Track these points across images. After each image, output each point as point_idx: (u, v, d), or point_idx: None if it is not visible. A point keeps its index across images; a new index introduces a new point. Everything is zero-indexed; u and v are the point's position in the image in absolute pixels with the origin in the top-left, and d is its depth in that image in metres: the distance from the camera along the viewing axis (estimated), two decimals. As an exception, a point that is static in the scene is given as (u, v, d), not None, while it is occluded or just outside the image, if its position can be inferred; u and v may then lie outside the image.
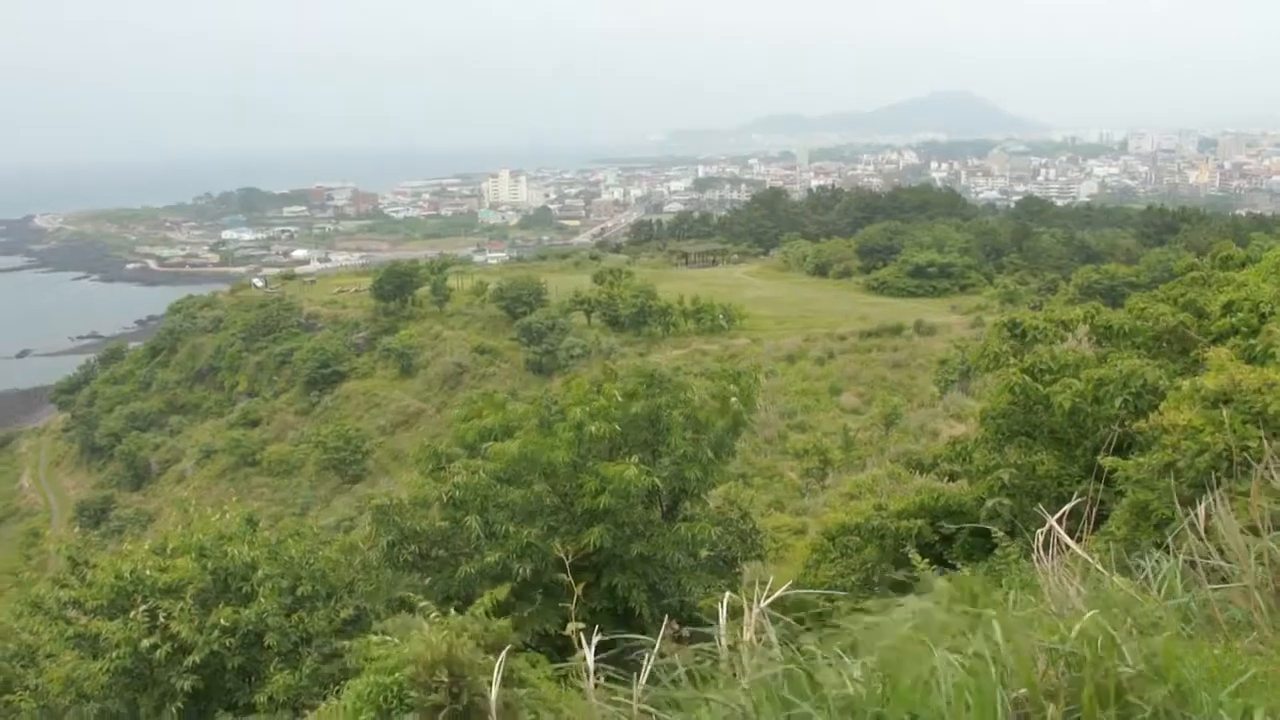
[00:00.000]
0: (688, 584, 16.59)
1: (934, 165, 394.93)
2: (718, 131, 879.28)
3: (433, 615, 8.37)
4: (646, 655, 3.72)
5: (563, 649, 13.49)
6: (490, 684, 7.82)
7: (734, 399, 17.81)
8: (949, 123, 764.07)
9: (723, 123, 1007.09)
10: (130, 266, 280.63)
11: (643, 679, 3.62)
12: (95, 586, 15.37)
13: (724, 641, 3.72)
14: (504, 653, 4.61)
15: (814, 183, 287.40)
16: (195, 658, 13.79)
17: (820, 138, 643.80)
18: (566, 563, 13.36)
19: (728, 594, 3.92)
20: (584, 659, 3.81)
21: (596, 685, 3.83)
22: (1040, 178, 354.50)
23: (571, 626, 3.94)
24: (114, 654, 14.04)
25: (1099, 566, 4.09)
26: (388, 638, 8.93)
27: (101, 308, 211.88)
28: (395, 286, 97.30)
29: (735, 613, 3.98)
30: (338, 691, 9.93)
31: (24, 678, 17.58)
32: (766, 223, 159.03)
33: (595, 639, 3.85)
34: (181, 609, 14.23)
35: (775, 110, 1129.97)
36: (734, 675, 3.47)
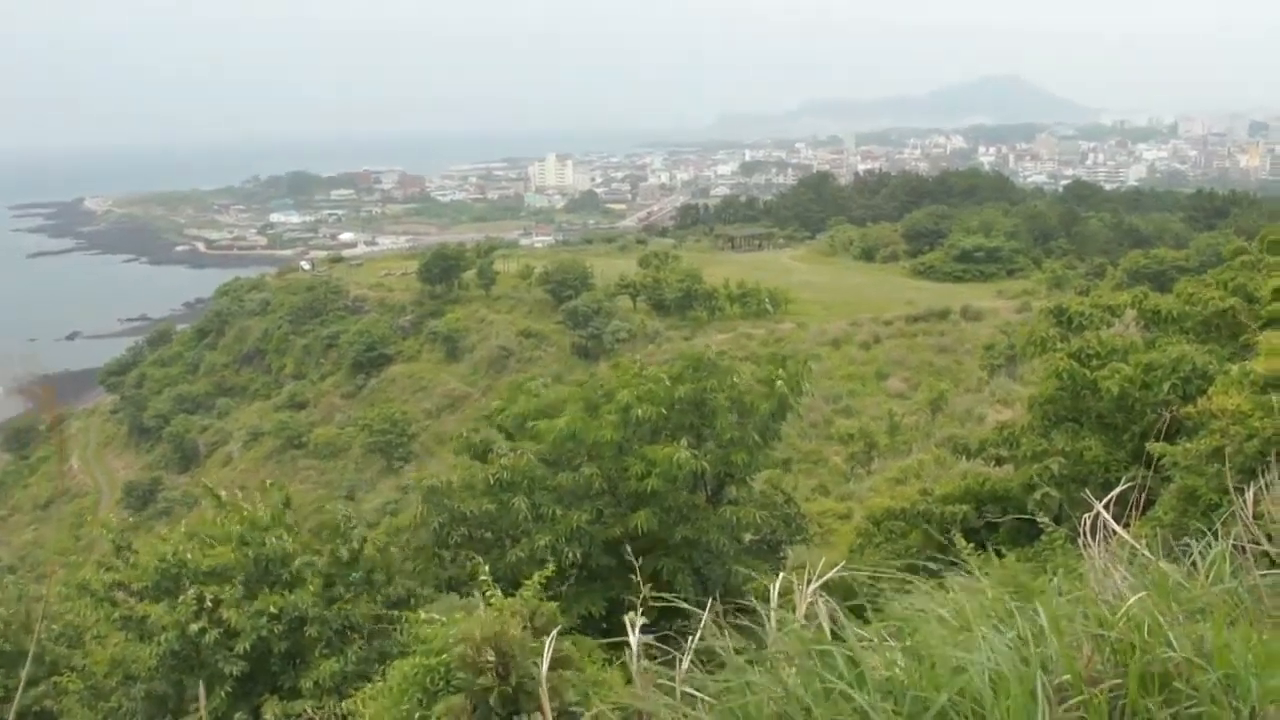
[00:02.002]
0: (732, 568, 16.60)
1: (981, 149, 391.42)
2: (765, 116, 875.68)
3: (489, 594, 8.39)
4: (691, 637, 3.74)
5: (607, 631, 13.53)
6: (538, 665, 7.89)
7: (780, 383, 17.76)
8: (997, 107, 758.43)
9: (770, 107, 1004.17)
10: (179, 249, 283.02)
11: (686, 661, 3.63)
12: (140, 569, 15.52)
13: (773, 623, 3.73)
14: (554, 634, 4.63)
15: (861, 167, 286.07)
16: (244, 644, 13.91)
17: (867, 122, 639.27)
18: (625, 548, 13.39)
19: (780, 576, 3.93)
20: (631, 642, 3.83)
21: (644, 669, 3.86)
22: (1089, 162, 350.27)
23: (631, 615, 3.95)
24: (162, 637, 14.17)
25: (1145, 552, 4.06)
26: (435, 618, 8.97)
27: (150, 290, 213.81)
28: (442, 270, 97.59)
29: (782, 595, 3.99)
30: (383, 674, 9.99)
31: (70, 659, 17.79)
32: (813, 207, 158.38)
33: (640, 621, 3.87)
34: (230, 594, 14.36)
35: (823, 95, 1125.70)
36: (780, 657, 3.48)
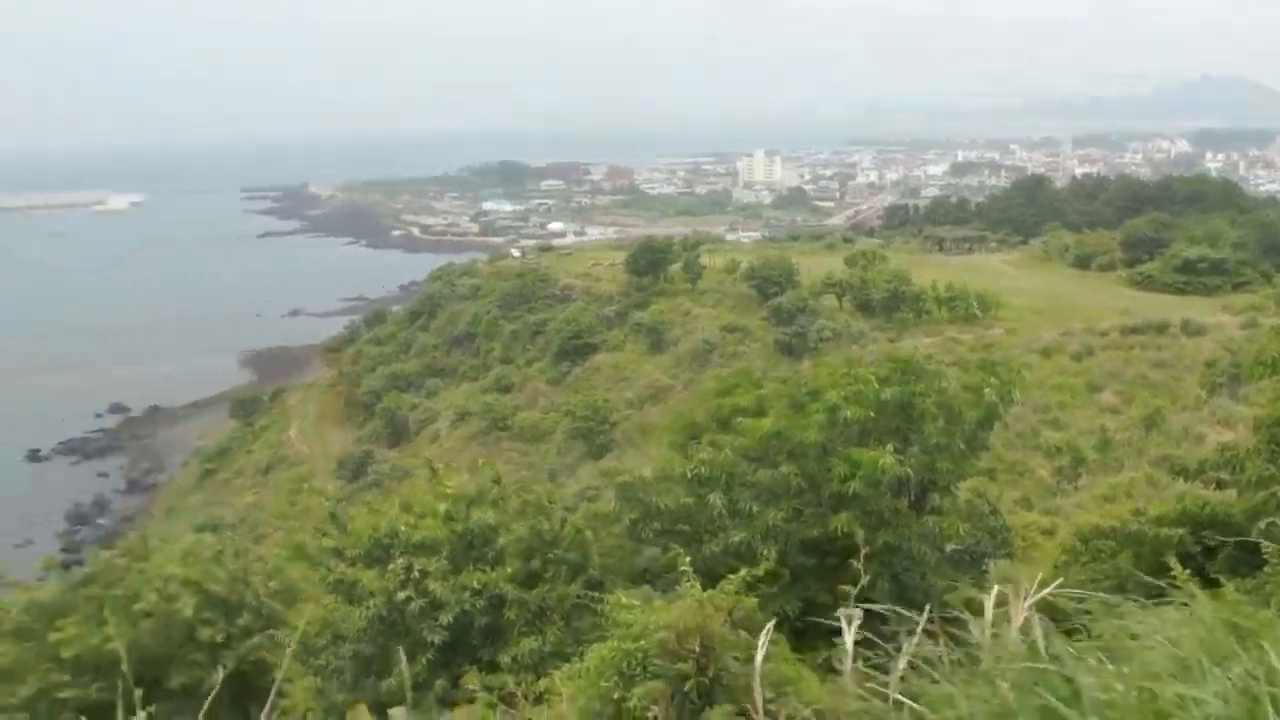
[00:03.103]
0: (932, 577, 16.36)
1: (1209, 155, 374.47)
2: (978, 114, 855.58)
3: (691, 586, 8.49)
4: (904, 644, 3.75)
5: (800, 633, 13.52)
6: (736, 659, 7.97)
7: (989, 390, 17.41)
8: (1222, 108, 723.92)
9: (982, 106, 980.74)
10: (395, 234, 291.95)
11: (900, 666, 3.65)
12: (354, 536, 16.18)
13: (987, 636, 3.72)
14: (769, 627, 4.68)
15: (1078, 170, 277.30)
16: (447, 616, 14.36)
17: (1085, 124, 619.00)
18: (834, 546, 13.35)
19: (995, 589, 3.91)
20: (846, 643, 3.87)
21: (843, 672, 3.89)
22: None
23: (842, 612, 3.98)
24: (371, 602, 14.76)
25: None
26: (635, 604, 9.11)
27: (368, 272, 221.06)
28: (648, 262, 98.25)
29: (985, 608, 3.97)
30: (581, 655, 10.18)
31: (284, 615, 18.66)
32: (1026, 211, 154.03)
33: (855, 623, 3.90)
34: (437, 567, 14.84)
35: (1038, 94, 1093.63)
36: (991, 671, 3.48)
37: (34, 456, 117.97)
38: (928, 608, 3.83)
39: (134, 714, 4.22)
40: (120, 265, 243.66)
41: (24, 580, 23.47)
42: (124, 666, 3.77)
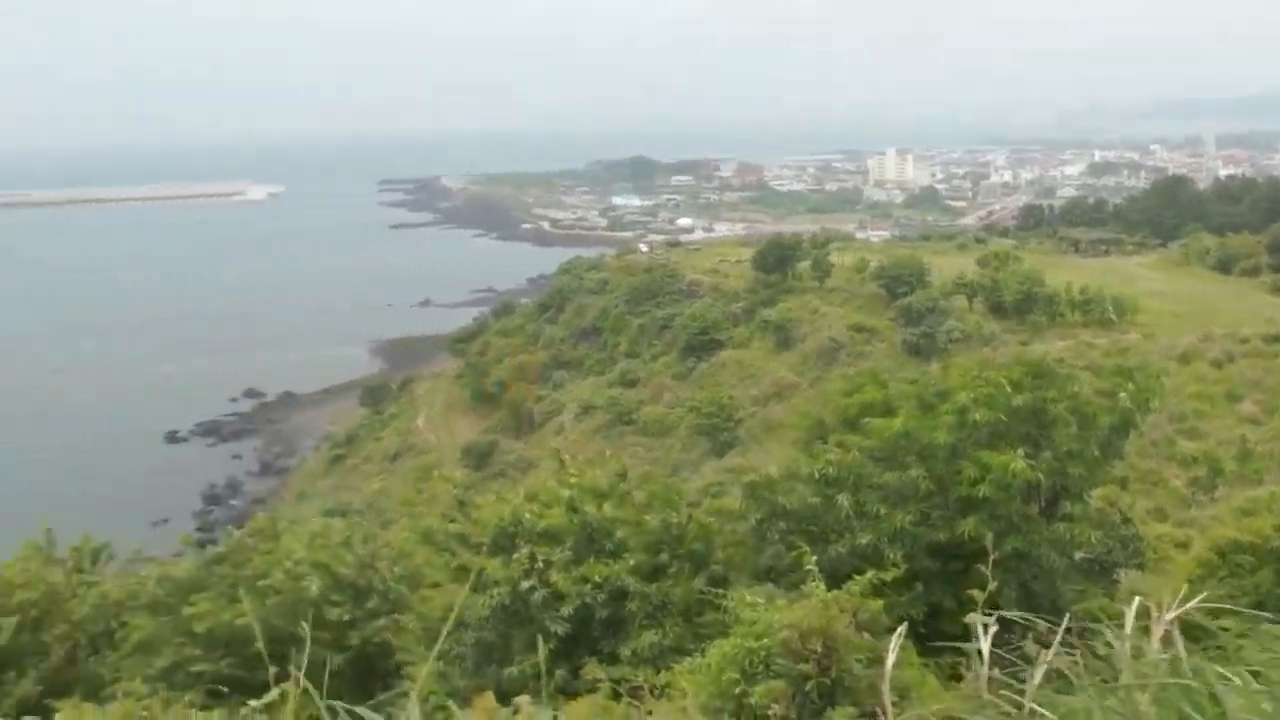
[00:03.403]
0: (1061, 585, 16.01)
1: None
2: (1117, 113, 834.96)
3: (816, 586, 8.42)
4: (1038, 654, 3.65)
5: (922, 637, 13.34)
6: (859, 662, 7.89)
7: (1124, 396, 16.96)
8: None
9: (1122, 105, 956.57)
10: (525, 227, 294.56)
11: (1038, 676, 3.55)
12: (480, 525, 16.36)
13: (1126, 648, 3.60)
14: (901, 630, 4.60)
15: (1222, 171, 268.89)
16: (568, 607, 14.45)
17: (1229, 123, 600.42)
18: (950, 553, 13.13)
19: (1136, 599, 3.78)
20: (982, 649, 3.77)
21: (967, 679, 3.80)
22: None
23: (973, 618, 3.88)
24: (495, 590, 14.90)
25: None
26: (759, 602, 9.07)
27: (497, 264, 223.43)
28: (777, 259, 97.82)
29: (1120, 618, 3.85)
30: (702, 651, 10.17)
31: (409, 600, 18.96)
32: (1166, 213, 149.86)
33: (991, 630, 3.80)
34: (560, 557, 14.94)
35: (1179, 92, 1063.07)
36: (1130, 685, 3.36)
37: (172, 437, 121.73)
38: (1066, 616, 3.71)
39: (268, 689, 4.29)
40: (255, 255, 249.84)
41: (161, 556, 24.27)
42: (259, 644, 3.83)
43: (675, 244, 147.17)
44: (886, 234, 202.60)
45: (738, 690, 8.03)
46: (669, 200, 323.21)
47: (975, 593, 4.59)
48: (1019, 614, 3.95)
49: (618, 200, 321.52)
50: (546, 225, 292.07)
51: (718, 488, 43.94)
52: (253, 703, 4.80)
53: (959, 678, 5.32)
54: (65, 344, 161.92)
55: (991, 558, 7.66)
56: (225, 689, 15.30)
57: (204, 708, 8.74)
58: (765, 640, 8.14)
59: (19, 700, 18.65)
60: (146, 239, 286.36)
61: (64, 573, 22.12)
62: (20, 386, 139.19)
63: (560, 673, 14.07)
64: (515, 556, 15.13)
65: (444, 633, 14.40)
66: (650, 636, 14.13)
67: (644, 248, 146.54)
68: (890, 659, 4.39)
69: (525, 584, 14.75)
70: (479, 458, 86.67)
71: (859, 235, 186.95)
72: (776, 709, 7.60)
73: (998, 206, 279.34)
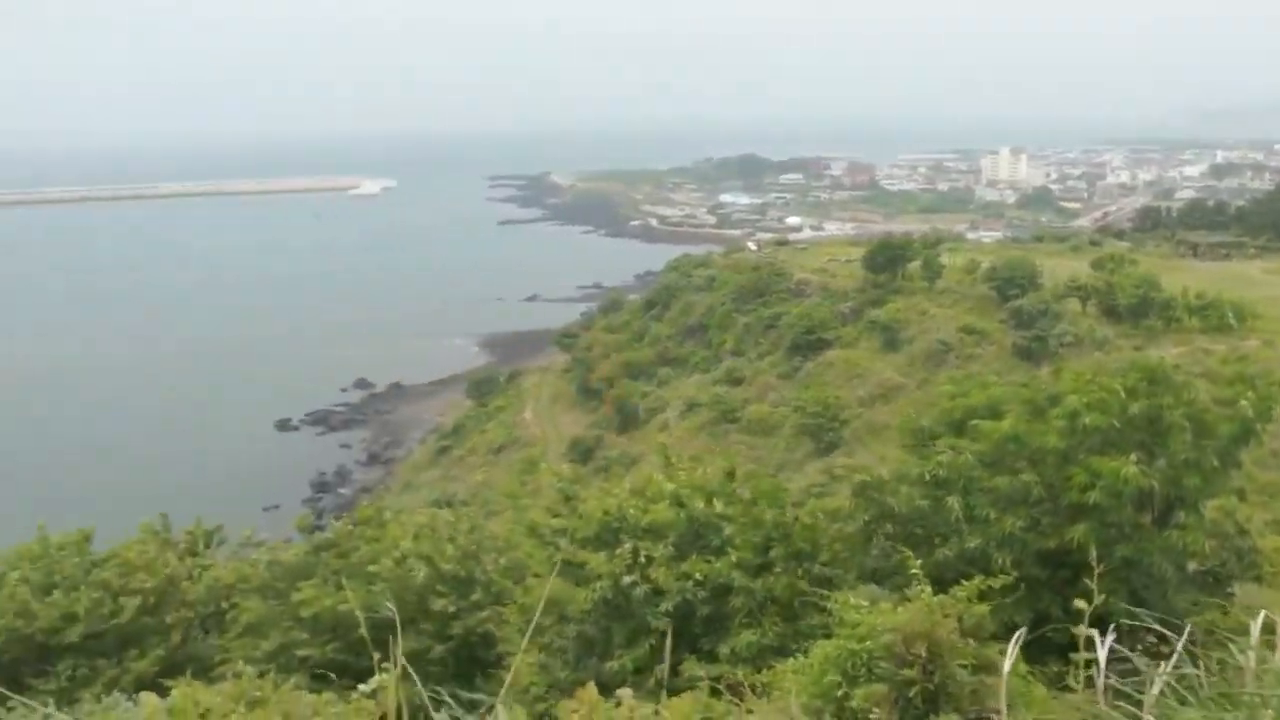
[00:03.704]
0: (1173, 597, 15.60)
1: None
2: (1242, 111, 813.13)
3: (920, 590, 8.29)
4: (1162, 664, 3.54)
5: (1026, 645, 13.09)
6: (964, 668, 7.75)
7: (1244, 404, 16.47)
8: None
9: (1249, 103, 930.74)
10: (633, 223, 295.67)
11: (1157, 686, 3.43)
12: (584, 519, 16.42)
13: (1251, 661, 3.47)
14: (1018, 637, 4.50)
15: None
16: (669, 603, 14.44)
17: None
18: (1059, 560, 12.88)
19: (1263, 613, 3.65)
20: (1098, 658, 3.67)
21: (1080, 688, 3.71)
22: None
23: (1082, 629, 3.78)
24: (597, 584, 14.95)
25: None
26: (862, 604, 8.96)
27: (604, 260, 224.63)
28: (886, 259, 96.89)
29: (1240, 632, 3.72)
30: (804, 651, 10.08)
31: (512, 592, 19.11)
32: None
33: (1109, 639, 3.69)
34: (662, 553, 14.93)
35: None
36: (1254, 699, 3.24)
37: (284, 425, 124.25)
38: (1187, 629, 3.59)
39: (372, 675, 4.33)
40: (369, 248, 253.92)
41: (271, 541, 24.80)
42: (363, 630, 3.87)
43: (783, 242, 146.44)
44: (998, 235, 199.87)
45: (839, 693, 7.95)
46: (778, 198, 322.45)
47: (1081, 603, 4.47)
48: (1142, 622, 3.85)
49: (726, 198, 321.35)
50: (654, 222, 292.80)
51: (820, 488, 43.66)
52: (361, 687, 4.86)
53: (1065, 687, 5.20)
54: (181, 329, 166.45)
55: (1097, 570, 7.49)
56: (329, 673, 15.57)
57: (308, 691, 8.87)
58: (868, 643, 8.04)
59: (137, 677, 19.17)
60: (263, 230, 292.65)
61: (178, 556, 22.71)
62: (140, 369, 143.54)
63: (660, 668, 14.08)
64: (617, 551, 15.16)
65: (531, 623, 14.50)
66: (749, 635, 14.07)
67: (752, 246, 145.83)
68: (1007, 665, 4.29)
69: (627, 578, 14.77)
70: (583, 452, 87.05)
71: (970, 236, 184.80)
72: (878, 713, 7.51)
73: (1113, 208, 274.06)
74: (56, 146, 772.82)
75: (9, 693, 5.09)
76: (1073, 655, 4.05)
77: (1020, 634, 4.67)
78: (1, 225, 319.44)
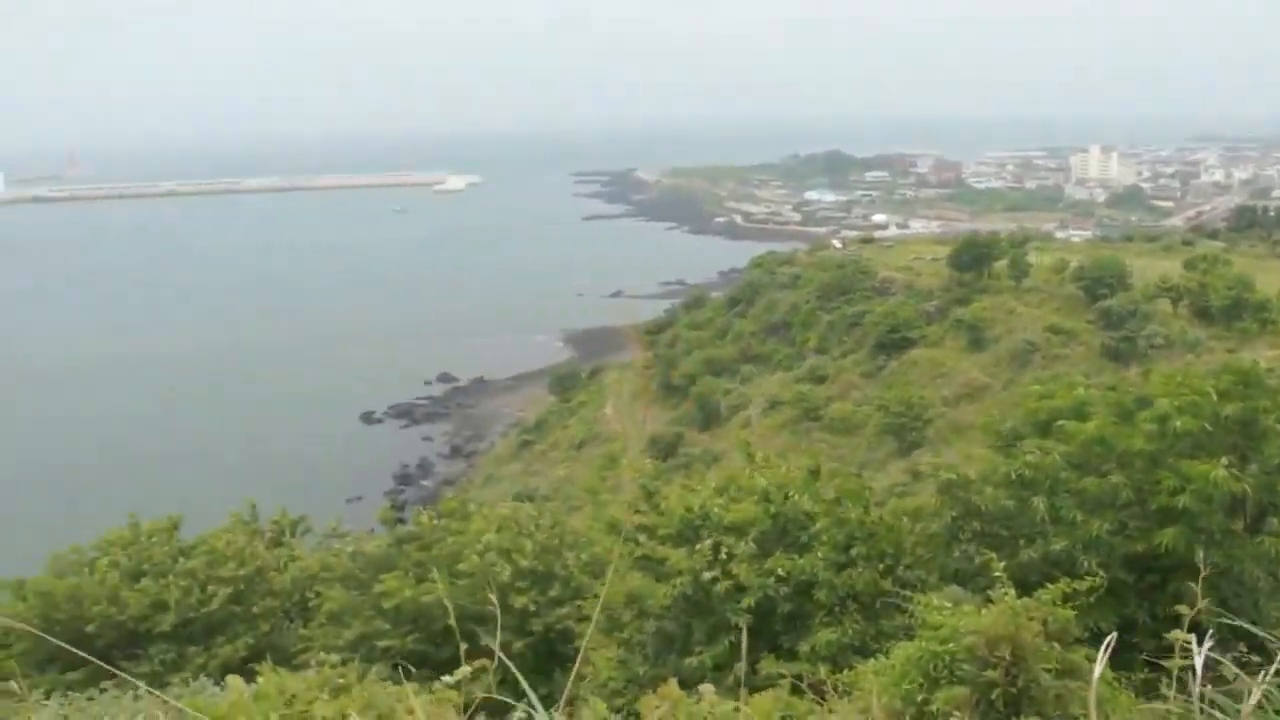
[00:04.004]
0: (1265, 605, 15.24)
1: None
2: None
3: (1005, 592, 8.20)
4: (1263, 672, 3.46)
5: (1111, 651, 12.86)
6: (1048, 672, 7.66)
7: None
8: None
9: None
10: (717, 220, 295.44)
11: (1255, 695, 3.36)
12: (667, 515, 16.44)
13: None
14: (1110, 641, 4.42)
15: None
16: (750, 599, 14.41)
17: None
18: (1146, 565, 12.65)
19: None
20: (1195, 665, 3.60)
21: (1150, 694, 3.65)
22: None
23: (1176, 634, 3.72)
24: (677, 580, 14.96)
25: None
26: (945, 605, 8.89)
27: (688, 257, 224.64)
28: (973, 258, 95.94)
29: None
30: (885, 652, 10.02)
31: (592, 587, 19.17)
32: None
33: (1206, 646, 3.62)
34: (744, 550, 14.90)
35: None
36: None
37: (368, 418, 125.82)
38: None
39: (453, 666, 4.38)
40: (451, 244, 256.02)
41: (354, 532, 25.16)
42: (450, 621, 3.92)
43: (869, 240, 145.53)
44: (1087, 234, 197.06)
45: (920, 697, 7.89)
46: (863, 196, 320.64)
47: (1183, 608, 4.39)
48: (1240, 631, 3.78)
49: (811, 195, 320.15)
50: (739, 219, 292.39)
51: (902, 488, 43.40)
52: (445, 678, 4.91)
53: (1153, 694, 5.13)
54: (271, 323, 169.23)
55: (1203, 573, 7.36)
56: (410, 663, 15.74)
57: (389, 681, 8.99)
58: (951, 645, 7.97)
59: (223, 663, 19.55)
60: (349, 226, 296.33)
61: (265, 546, 23.11)
62: (238, 362, 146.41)
63: (738, 665, 14.06)
64: (698, 547, 15.15)
65: (594, 615, 14.56)
66: (828, 634, 14.00)
67: (837, 243, 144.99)
68: (1097, 670, 4.22)
69: (708, 575, 14.76)
70: (664, 449, 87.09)
71: (1059, 235, 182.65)
72: (959, 716, 7.44)
73: (1207, 207, 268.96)
74: (147, 145, 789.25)
75: (110, 669, 5.22)
76: (1165, 661, 3.98)
77: (1111, 639, 4.58)
78: (105, 218, 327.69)
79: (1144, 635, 12.85)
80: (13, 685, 9.11)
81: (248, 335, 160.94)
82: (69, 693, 11.77)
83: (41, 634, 17.13)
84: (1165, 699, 3.76)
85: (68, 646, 5.75)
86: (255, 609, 21.19)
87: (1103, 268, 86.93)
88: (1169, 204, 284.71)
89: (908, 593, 12.70)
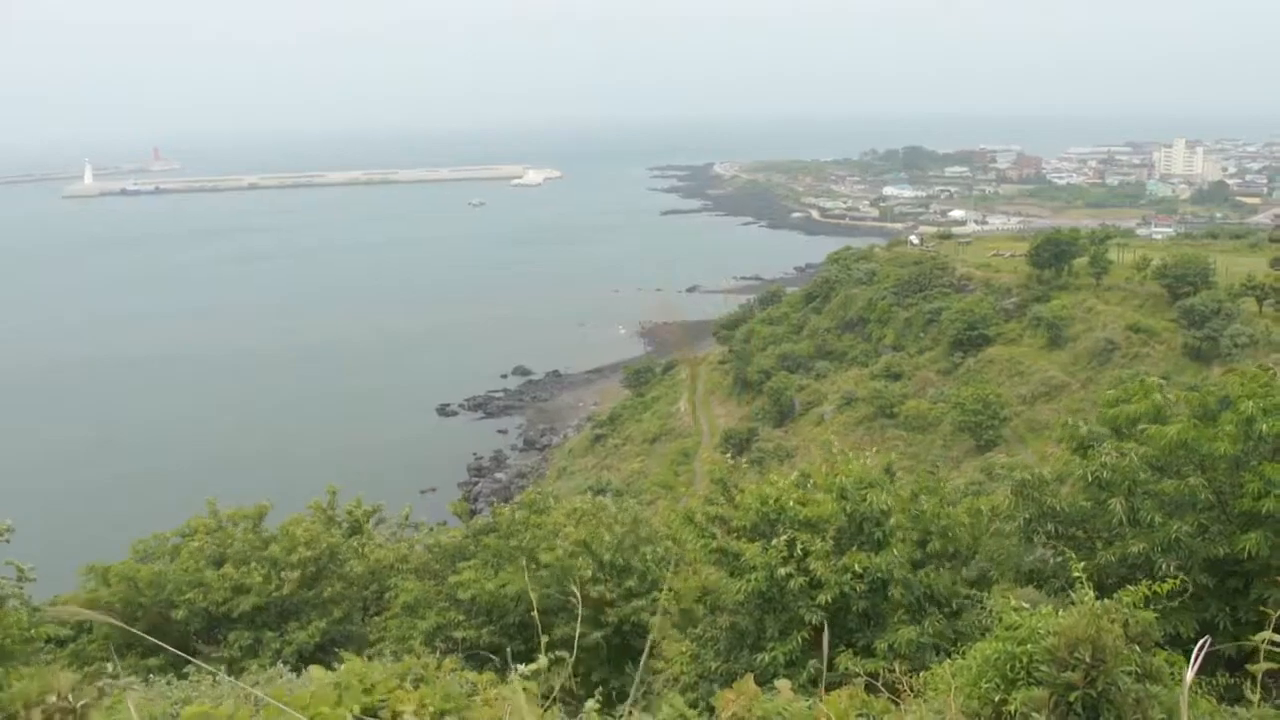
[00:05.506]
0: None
1: None
2: None
3: (1084, 593, 8.15)
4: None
5: (1189, 655, 12.70)
6: (1128, 675, 7.60)
7: None
8: None
9: None
10: (794, 215, 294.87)
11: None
12: (742, 510, 16.44)
13: None
14: (1202, 645, 4.39)
15: None
16: (826, 596, 14.38)
17: None
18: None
19: None
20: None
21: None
22: None
23: (1263, 635, 3.69)
24: (752, 575, 14.95)
25: None
26: (1024, 606, 8.83)
27: (764, 252, 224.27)
28: (1052, 254, 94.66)
29: None
30: (962, 651, 9.97)
31: (668, 582, 19.23)
32: None
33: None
34: (820, 546, 14.87)
35: None
36: None
37: (444, 411, 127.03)
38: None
39: (528, 658, 4.45)
40: (528, 237, 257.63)
41: (429, 523, 25.46)
42: (534, 612, 3.98)
43: (947, 236, 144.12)
44: (1170, 230, 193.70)
45: (997, 698, 7.86)
46: (942, 191, 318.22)
47: (1269, 611, 4.35)
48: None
49: (889, 190, 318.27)
50: (815, 214, 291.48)
51: (977, 486, 43.00)
52: (520, 668, 4.99)
53: (1237, 699, 5.10)
54: (359, 318, 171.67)
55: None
56: (484, 655, 15.89)
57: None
58: (1029, 646, 7.92)
59: (297, 649, 19.85)
60: (429, 220, 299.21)
61: (343, 534, 23.42)
62: (327, 355, 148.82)
63: (813, 663, 14.06)
64: (774, 543, 15.13)
65: (661, 605, 14.61)
66: (908, 632, 13.94)
67: (914, 239, 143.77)
68: (1189, 675, 4.19)
69: (783, 570, 14.73)
70: (738, 444, 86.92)
71: (1140, 231, 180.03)
72: (1036, 718, 7.41)
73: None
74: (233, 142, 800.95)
75: (190, 657, 5.35)
76: (1249, 666, 3.95)
77: (1205, 642, 4.54)
78: (187, 210, 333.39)
79: (1223, 638, 12.66)
80: (108, 667, 9.37)
81: (331, 333, 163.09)
82: (150, 676, 12.05)
83: (119, 624, 17.48)
84: (1250, 704, 3.73)
85: (144, 635, 5.90)
86: (325, 593, 21.48)
87: (1185, 265, 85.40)
88: (1255, 200, 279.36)
89: (982, 594, 12.62)
